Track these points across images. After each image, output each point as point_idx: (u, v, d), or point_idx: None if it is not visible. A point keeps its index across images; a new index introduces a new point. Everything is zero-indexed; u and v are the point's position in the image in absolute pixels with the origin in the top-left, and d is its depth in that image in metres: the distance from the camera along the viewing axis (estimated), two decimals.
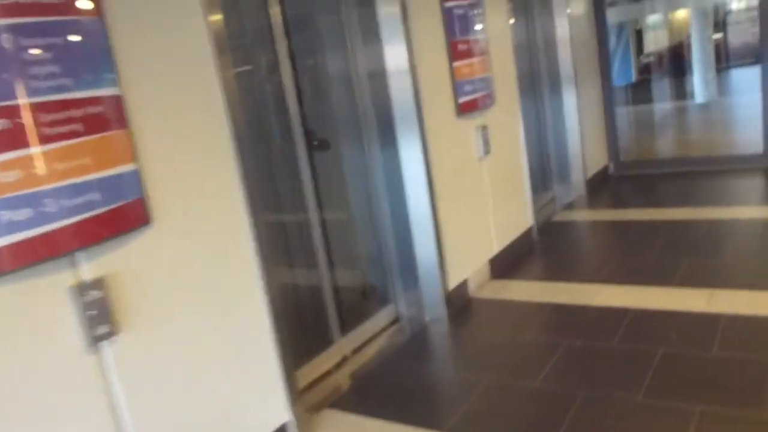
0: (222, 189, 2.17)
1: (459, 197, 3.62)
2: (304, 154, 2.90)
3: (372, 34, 3.15)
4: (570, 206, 5.36)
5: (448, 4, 3.43)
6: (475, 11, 3.65)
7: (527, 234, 4.41)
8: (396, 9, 3.08)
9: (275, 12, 2.75)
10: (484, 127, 3.81)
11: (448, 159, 3.50)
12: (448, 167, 3.49)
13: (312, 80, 3.18)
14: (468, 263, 3.69)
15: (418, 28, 3.24)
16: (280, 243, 3.02)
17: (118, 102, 1.78)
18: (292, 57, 2.84)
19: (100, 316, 1.75)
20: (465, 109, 3.59)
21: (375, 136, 3.30)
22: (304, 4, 3.14)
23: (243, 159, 2.21)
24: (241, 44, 2.74)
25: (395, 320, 3.45)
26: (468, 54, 3.59)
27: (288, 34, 2.81)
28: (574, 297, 3.38)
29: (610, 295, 3.33)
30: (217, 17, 2.13)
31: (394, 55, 3.14)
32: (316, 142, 3.02)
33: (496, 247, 4.00)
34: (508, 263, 4.05)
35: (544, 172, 5.34)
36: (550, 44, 5.15)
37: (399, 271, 3.45)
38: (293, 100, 2.83)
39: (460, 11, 3.50)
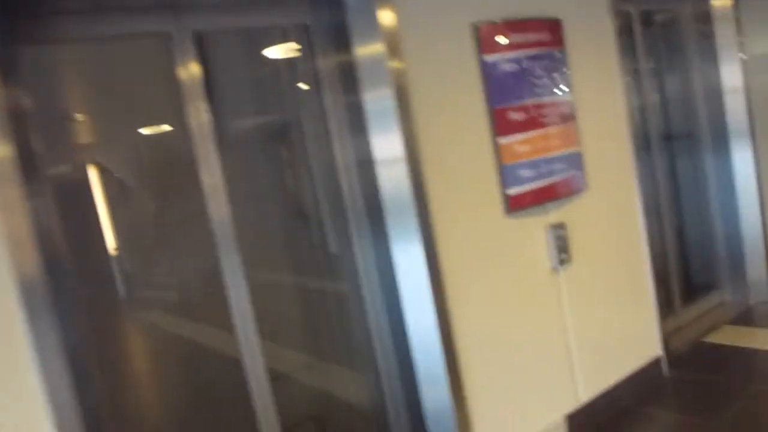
0: None
1: (504, 325, 2.52)
2: None
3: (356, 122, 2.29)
4: (745, 319, 3.73)
5: (490, 58, 2.39)
6: (546, 63, 2.53)
7: (650, 368, 3.05)
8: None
9: None
10: (559, 226, 2.64)
11: (487, 272, 2.44)
12: (483, 282, 2.43)
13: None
14: (520, 420, 2.55)
15: (433, 100, 2.28)
16: None
17: None
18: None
19: None
20: (519, 204, 2.49)
21: (365, 233, 2.39)
22: None
23: None
24: None
25: None
26: (528, 124, 2.48)
27: None
28: None
29: None
30: None
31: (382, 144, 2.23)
32: None
33: (583, 394, 2.76)
34: (605, 421, 2.78)
35: (704, 263, 3.82)
36: (713, 95, 3.68)
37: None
38: None
39: (510, 66, 2.43)
